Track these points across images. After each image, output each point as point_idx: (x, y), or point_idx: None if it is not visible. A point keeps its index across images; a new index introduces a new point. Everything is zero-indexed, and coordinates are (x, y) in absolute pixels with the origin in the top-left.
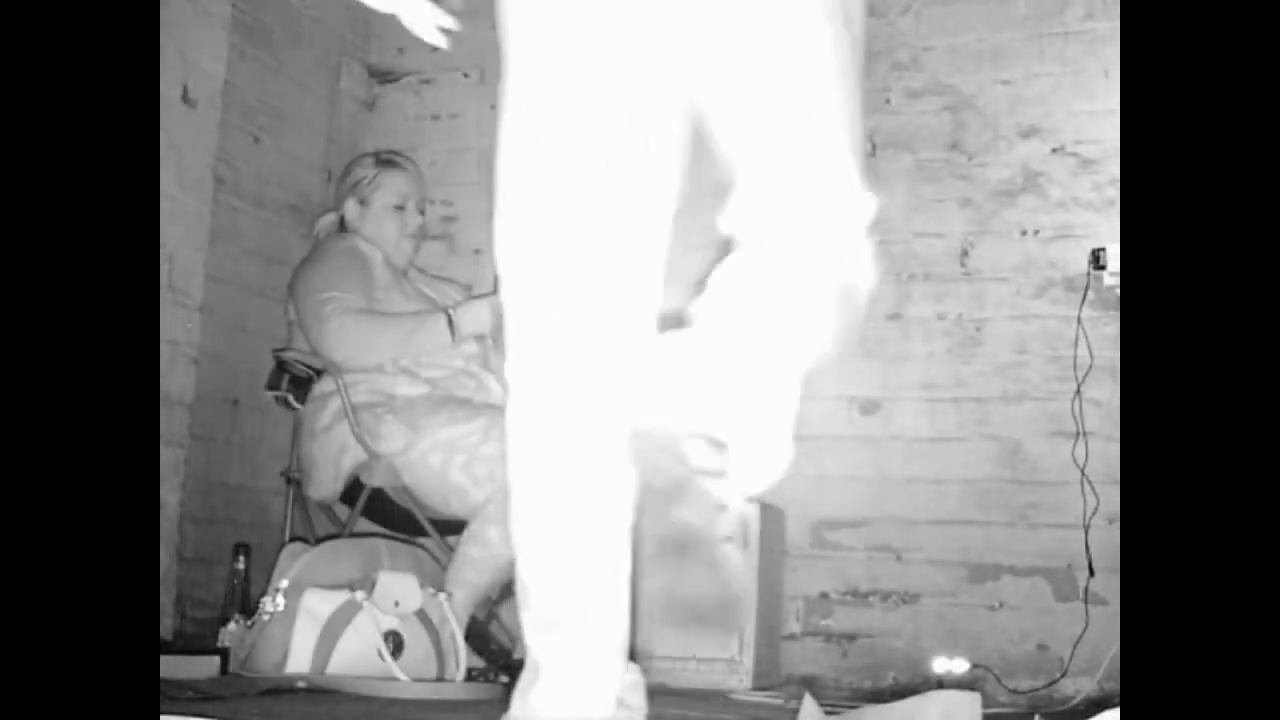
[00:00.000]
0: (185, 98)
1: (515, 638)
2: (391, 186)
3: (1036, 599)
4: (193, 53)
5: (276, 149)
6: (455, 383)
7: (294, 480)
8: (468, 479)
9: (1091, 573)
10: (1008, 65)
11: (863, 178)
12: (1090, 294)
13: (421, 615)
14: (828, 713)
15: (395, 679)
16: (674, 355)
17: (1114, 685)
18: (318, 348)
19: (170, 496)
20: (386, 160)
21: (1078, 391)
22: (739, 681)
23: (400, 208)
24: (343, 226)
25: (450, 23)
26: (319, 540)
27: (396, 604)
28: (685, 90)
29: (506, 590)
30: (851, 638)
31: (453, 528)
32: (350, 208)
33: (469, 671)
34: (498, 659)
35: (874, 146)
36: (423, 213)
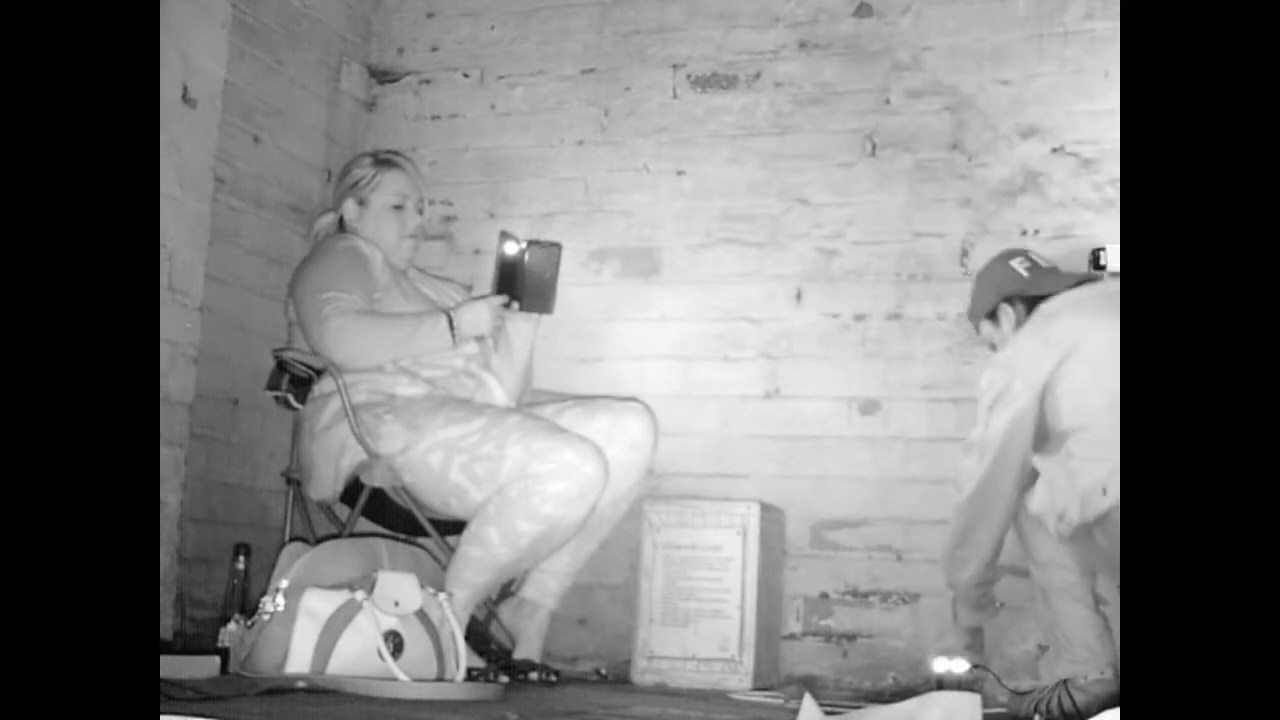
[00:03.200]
0: (185, 98)
1: (515, 638)
2: (390, 186)
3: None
4: (193, 53)
5: (276, 149)
6: (455, 383)
7: (294, 480)
8: (467, 479)
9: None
10: (1008, 65)
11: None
12: None
13: (421, 615)
14: (828, 713)
15: (395, 679)
16: None
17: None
18: (317, 348)
19: (170, 496)
20: (385, 160)
21: None
22: (739, 681)
23: (399, 207)
24: (341, 227)
25: None
26: (319, 540)
27: (396, 604)
28: None
29: (506, 590)
30: (851, 638)
31: (453, 528)
32: (349, 208)
33: (469, 671)
34: (498, 659)
35: (874, 146)
36: (421, 212)
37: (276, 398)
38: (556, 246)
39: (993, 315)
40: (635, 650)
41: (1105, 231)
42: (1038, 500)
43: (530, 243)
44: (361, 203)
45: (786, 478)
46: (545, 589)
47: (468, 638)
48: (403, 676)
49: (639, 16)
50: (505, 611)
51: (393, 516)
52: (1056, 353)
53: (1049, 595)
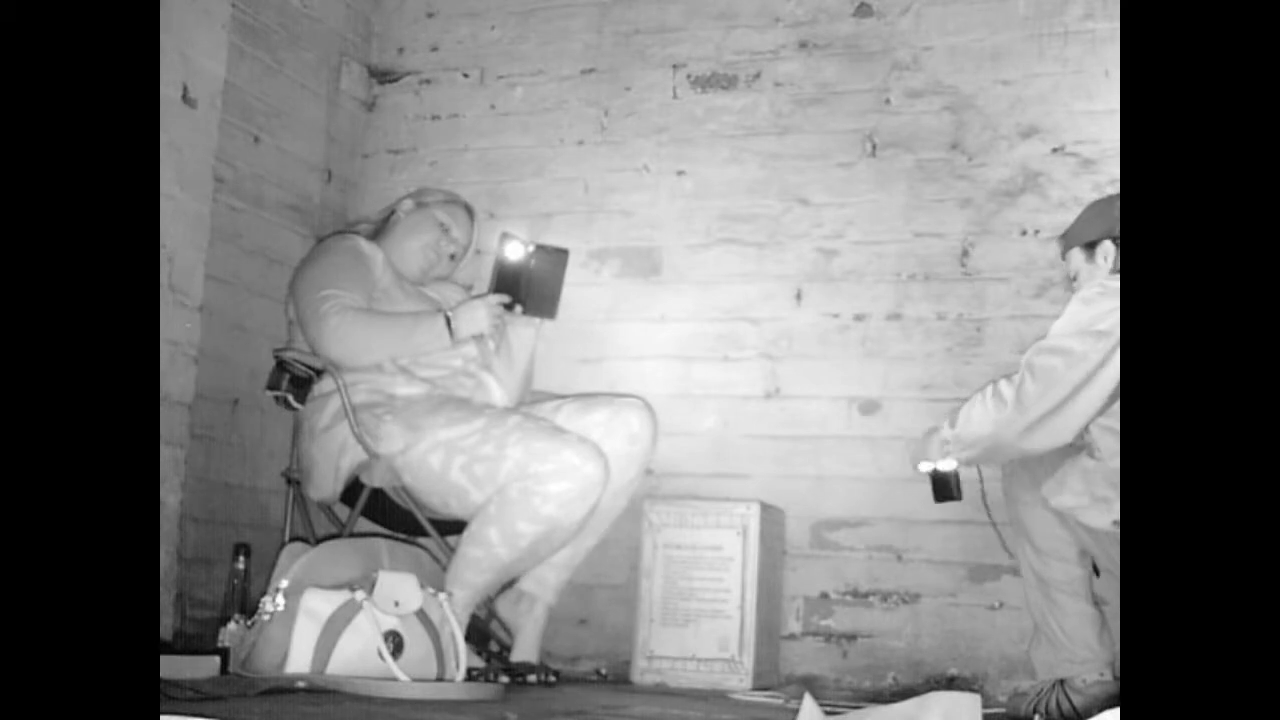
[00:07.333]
0: (185, 98)
1: (515, 637)
2: (451, 211)
3: None
4: (193, 53)
5: (276, 149)
6: (454, 382)
7: (294, 480)
8: (467, 479)
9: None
10: (1008, 65)
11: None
12: None
13: (421, 615)
14: (828, 713)
15: (395, 679)
16: None
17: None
18: (315, 345)
19: (170, 496)
20: (466, 204)
21: None
22: (739, 681)
23: (444, 227)
24: (386, 223)
25: None
26: (319, 540)
27: (396, 604)
28: None
29: (506, 590)
30: (851, 638)
31: (453, 528)
32: (406, 204)
33: (469, 671)
34: (498, 659)
35: (874, 146)
36: (454, 257)
37: (276, 398)
38: (564, 252)
39: (1090, 247)
40: (635, 650)
41: None
42: (1070, 494)
43: (538, 247)
44: (419, 205)
45: (786, 478)
46: (544, 581)
47: (468, 638)
48: (403, 676)
49: (639, 16)
50: (503, 604)
51: (393, 516)
52: None
53: (1048, 587)
